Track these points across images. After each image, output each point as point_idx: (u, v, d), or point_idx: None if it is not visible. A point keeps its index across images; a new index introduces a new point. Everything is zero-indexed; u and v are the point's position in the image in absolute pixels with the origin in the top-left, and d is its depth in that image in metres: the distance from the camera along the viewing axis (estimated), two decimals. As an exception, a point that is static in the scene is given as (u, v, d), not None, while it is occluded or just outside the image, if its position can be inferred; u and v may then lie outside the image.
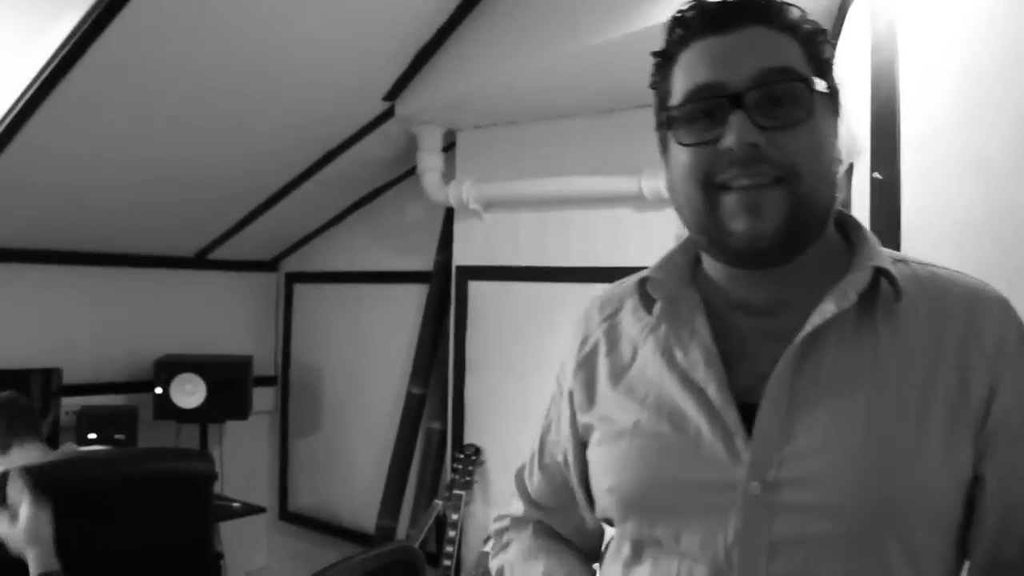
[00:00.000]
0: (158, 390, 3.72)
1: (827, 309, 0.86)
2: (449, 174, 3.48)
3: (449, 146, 3.54)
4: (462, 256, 3.48)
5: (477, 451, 3.31)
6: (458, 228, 3.51)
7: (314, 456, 4.35)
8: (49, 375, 3.53)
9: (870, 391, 0.86)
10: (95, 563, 2.17)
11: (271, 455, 4.53)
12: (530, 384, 3.23)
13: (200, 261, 4.21)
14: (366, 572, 1.49)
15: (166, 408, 3.73)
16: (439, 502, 3.28)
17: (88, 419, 3.57)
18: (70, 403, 3.63)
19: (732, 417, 0.88)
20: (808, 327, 0.86)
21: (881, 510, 0.83)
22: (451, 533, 3.18)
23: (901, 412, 0.85)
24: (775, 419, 0.86)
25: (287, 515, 4.46)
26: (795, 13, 0.90)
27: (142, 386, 3.86)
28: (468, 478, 3.25)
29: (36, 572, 1.96)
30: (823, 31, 0.91)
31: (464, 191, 3.34)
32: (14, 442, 2.54)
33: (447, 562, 3.15)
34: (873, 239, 0.93)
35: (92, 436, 3.53)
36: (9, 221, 3.30)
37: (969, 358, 0.86)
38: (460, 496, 3.21)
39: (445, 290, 3.59)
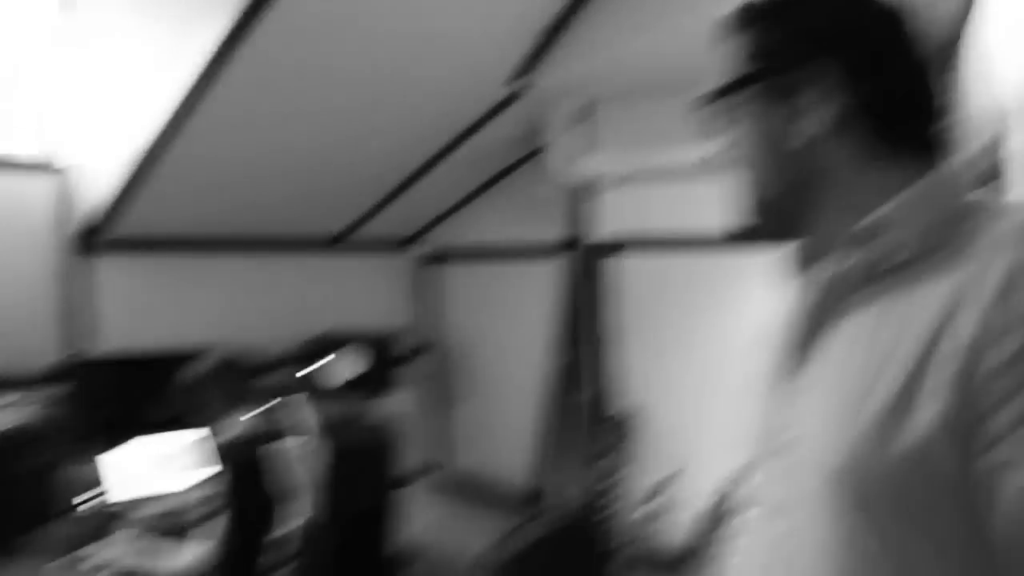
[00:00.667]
0: (312, 369, 3.89)
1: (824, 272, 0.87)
2: (585, 148, 3.50)
3: (583, 120, 3.55)
4: (599, 229, 3.49)
5: (627, 418, 3.35)
6: (595, 201, 3.52)
7: (464, 429, 4.50)
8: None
9: (851, 358, 0.83)
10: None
11: (422, 428, 4.69)
12: (675, 351, 3.24)
13: (339, 244, 4.39)
14: (542, 537, 1.54)
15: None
16: (592, 469, 3.33)
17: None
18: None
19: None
20: (811, 291, 0.89)
21: (844, 478, 0.79)
22: (605, 499, 3.23)
23: (869, 383, 0.79)
24: (787, 386, 0.89)
25: (444, 482, 4.63)
26: (751, 7, 0.93)
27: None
28: (620, 444, 3.29)
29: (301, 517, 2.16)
30: (764, 19, 0.92)
31: (600, 164, 3.34)
32: (224, 413, 2.53)
33: (602, 527, 3.20)
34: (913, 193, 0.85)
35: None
36: (165, 213, 3.56)
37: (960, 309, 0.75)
38: (612, 462, 3.26)
39: (583, 264, 3.62)
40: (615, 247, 3.42)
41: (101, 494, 3.12)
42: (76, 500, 3.06)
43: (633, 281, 3.39)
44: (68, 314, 3.61)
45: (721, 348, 3.10)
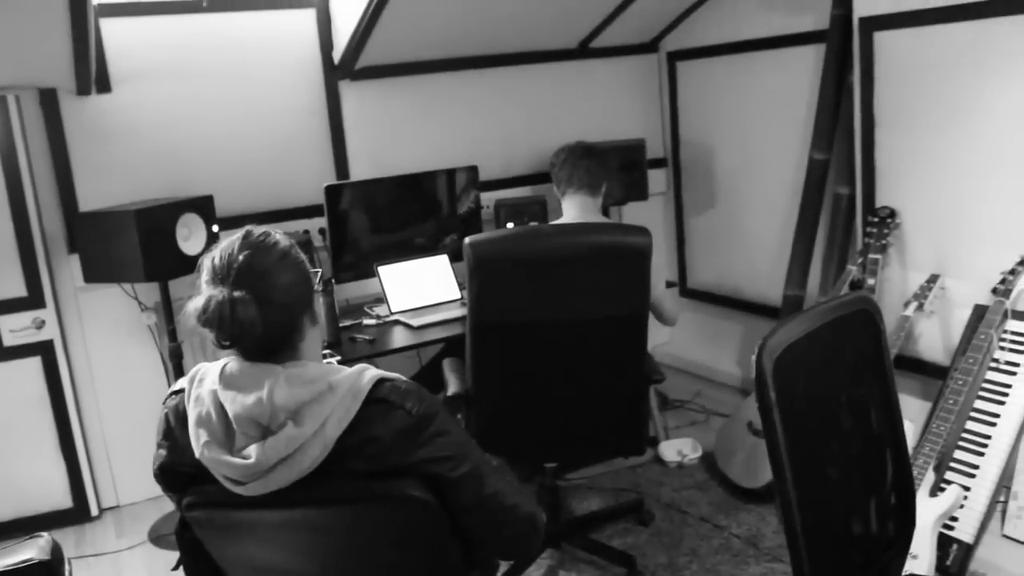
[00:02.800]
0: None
1: None
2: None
3: None
4: (865, 5, 3.18)
5: (892, 213, 3.14)
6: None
7: (711, 233, 4.42)
8: (471, 171, 3.85)
9: None
10: (548, 325, 2.45)
11: (668, 235, 4.67)
12: (949, 139, 2.96)
13: (584, 51, 4.30)
14: (828, 321, 1.51)
15: (571, 195, 3.95)
16: (852, 268, 3.20)
17: (504, 210, 3.90)
18: (487, 197, 3.98)
19: None
20: None
21: None
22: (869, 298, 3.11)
23: None
24: None
25: (687, 291, 4.63)
26: None
27: (545, 177, 4.12)
28: (883, 241, 3.11)
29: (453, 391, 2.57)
30: None
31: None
32: (569, 190, 2.96)
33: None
34: None
35: (510, 225, 3.86)
36: (420, 37, 3.64)
37: None
38: (876, 260, 3.10)
39: (845, 46, 3.33)
40: (884, 22, 3.10)
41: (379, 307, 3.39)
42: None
43: (905, 59, 3.08)
44: (337, 140, 3.84)
45: (1003, 134, 2.79)
